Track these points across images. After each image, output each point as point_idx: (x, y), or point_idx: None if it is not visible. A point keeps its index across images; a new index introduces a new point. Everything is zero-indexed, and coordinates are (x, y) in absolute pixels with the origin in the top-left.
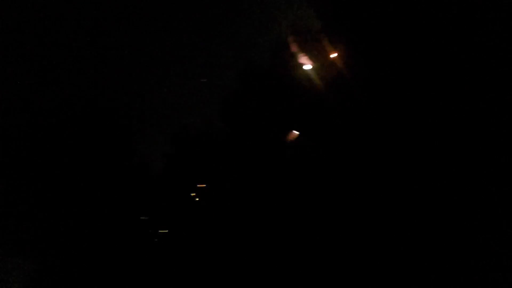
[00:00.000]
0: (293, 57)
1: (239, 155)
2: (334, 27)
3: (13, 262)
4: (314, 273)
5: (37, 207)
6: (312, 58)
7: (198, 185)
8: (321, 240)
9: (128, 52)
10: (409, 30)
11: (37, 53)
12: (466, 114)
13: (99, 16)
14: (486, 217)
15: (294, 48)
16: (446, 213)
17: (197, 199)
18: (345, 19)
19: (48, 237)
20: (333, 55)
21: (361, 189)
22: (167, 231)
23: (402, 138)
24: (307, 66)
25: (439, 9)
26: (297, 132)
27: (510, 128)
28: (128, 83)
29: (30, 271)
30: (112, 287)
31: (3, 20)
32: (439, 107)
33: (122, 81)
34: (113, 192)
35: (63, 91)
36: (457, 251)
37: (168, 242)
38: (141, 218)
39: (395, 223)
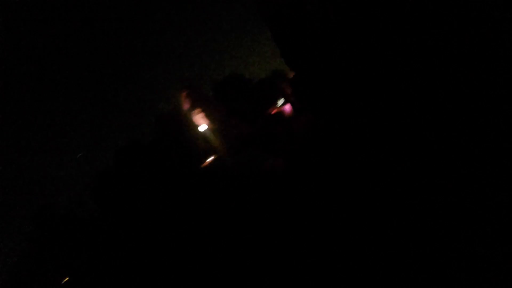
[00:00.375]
0: (185, 121)
1: (112, 242)
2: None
3: None
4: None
5: None
6: (207, 117)
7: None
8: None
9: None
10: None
11: None
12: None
13: None
14: (485, 217)
15: (185, 107)
16: (445, 213)
17: None
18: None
19: None
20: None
21: None
22: None
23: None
24: (202, 126)
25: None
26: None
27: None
28: None
29: None
30: None
31: None
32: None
33: None
34: None
35: None
36: (456, 251)
37: None
38: None
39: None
